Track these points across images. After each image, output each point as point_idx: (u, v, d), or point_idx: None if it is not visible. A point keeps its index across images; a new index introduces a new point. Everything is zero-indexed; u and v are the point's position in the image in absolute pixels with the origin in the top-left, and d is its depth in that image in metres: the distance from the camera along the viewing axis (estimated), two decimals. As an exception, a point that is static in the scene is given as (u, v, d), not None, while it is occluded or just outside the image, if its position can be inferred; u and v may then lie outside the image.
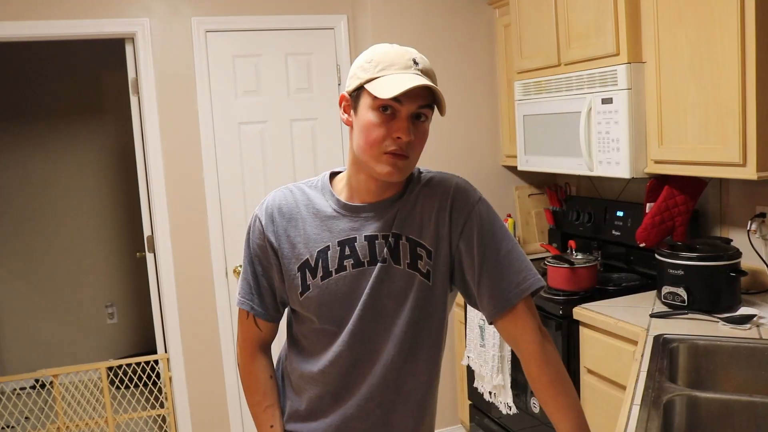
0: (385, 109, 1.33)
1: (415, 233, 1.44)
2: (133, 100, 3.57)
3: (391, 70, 1.33)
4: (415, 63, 1.34)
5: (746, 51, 2.10)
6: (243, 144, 3.64)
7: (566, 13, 2.84)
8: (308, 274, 1.45)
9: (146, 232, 3.67)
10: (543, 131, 3.07)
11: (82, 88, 5.17)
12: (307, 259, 1.45)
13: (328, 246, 1.44)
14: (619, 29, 2.55)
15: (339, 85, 3.76)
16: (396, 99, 1.31)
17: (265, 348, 1.62)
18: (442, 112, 1.37)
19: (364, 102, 1.36)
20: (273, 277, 1.51)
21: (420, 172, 1.51)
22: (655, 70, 2.47)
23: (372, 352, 1.46)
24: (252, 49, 3.61)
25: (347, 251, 1.44)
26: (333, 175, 1.55)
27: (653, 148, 2.52)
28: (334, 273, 1.44)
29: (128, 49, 3.52)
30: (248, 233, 1.53)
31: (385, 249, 1.42)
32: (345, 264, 1.43)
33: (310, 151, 3.77)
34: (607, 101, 2.63)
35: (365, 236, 1.44)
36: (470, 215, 1.44)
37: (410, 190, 1.47)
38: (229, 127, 3.61)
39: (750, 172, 2.15)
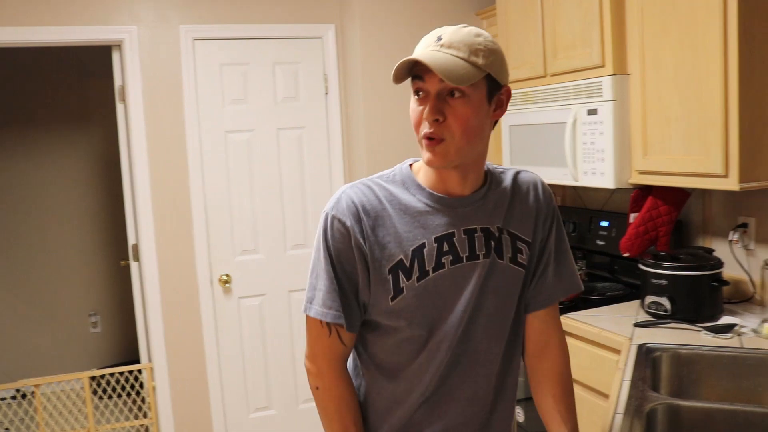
0: (417, 93, 1.30)
1: (515, 226, 1.42)
2: (120, 107, 3.56)
3: (415, 52, 1.29)
4: (438, 39, 1.27)
5: (729, 63, 2.13)
6: (230, 152, 3.64)
7: (553, 24, 2.86)
8: (402, 276, 1.34)
9: (131, 241, 3.65)
10: (529, 141, 3.09)
11: (66, 95, 5.15)
12: (401, 259, 1.34)
13: (424, 243, 1.34)
14: (605, 41, 2.57)
15: (326, 94, 3.77)
16: (419, 78, 1.27)
17: (346, 362, 1.45)
18: (451, 80, 1.22)
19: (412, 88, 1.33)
20: (358, 284, 1.36)
21: (497, 169, 1.48)
22: (639, 82, 2.50)
23: (474, 352, 1.40)
24: (240, 58, 3.62)
25: (445, 247, 1.35)
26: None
27: (637, 159, 2.55)
28: (431, 272, 1.34)
29: (115, 56, 3.51)
30: (325, 238, 1.36)
31: (492, 242, 1.38)
32: (443, 261, 1.35)
33: (297, 160, 3.78)
34: (592, 112, 2.65)
35: (464, 230, 1.37)
36: (554, 210, 1.49)
37: (495, 183, 1.43)
38: (215, 136, 3.61)
39: (732, 183, 2.17)
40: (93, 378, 3.87)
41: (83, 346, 5.30)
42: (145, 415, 3.75)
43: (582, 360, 2.48)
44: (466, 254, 1.36)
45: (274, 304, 3.79)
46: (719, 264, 2.38)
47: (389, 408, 1.43)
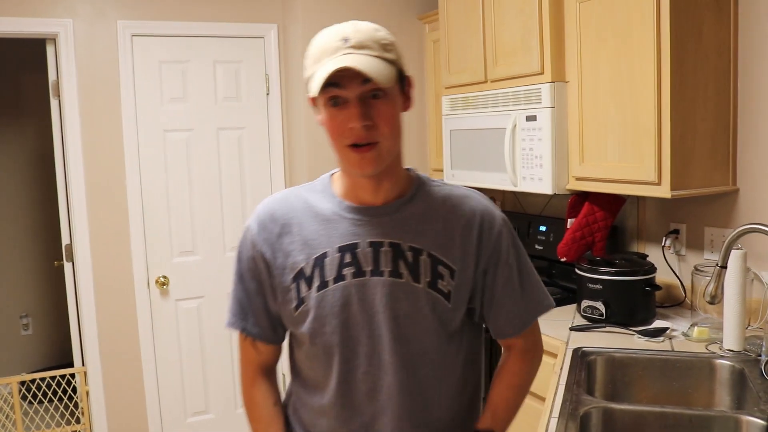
0: (335, 102, 1.21)
1: (438, 250, 1.30)
2: (54, 103, 3.45)
3: (323, 61, 1.20)
4: (345, 41, 1.20)
5: (662, 74, 2.19)
6: (168, 152, 3.57)
7: (494, 31, 2.89)
8: (303, 285, 1.30)
9: (65, 241, 3.55)
10: (469, 146, 3.11)
11: (-2, 89, 4.98)
12: (303, 268, 1.30)
13: (326, 253, 1.29)
14: (544, 49, 2.61)
15: (267, 94, 3.74)
16: (335, 85, 1.18)
17: (268, 371, 1.46)
18: (382, 81, 1.18)
19: (319, 100, 1.24)
20: (266, 294, 1.36)
21: (431, 181, 1.40)
22: (577, 90, 2.55)
23: (389, 382, 1.31)
24: (179, 56, 3.56)
25: (347, 258, 1.28)
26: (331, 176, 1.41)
27: (575, 166, 2.59)
28: (331, 282, 1.28)
29: (49, 50, 3.41)
30: (239, 246, 1.38)
31: (401, 261, 1.28)
32: (344, 273, 1.28)
33: (237, 161, 3.73)
34: (531, 118, 2.69)
35: (369, 242, 1.28)
36: (499, 238, 1.36)
37: (420, 198, 1.34)
38: (154, 134, 3.53)
39: (664, 191, 2.24)
40: (23, 383, 3.74)
41: (13, 349, 5.12)
42: (78, 421, 3.64)
43: (519, 363, 2.51)
44: (370, 268, 1.28)
45: (212, 307, 3.74)
46: (652, 269, 2.45)
47: (312, 420, 1.40)
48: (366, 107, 1.20)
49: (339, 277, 1.28)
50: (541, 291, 1.45)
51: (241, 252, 1.38)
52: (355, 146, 1.21)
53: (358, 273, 1.28)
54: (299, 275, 1.30)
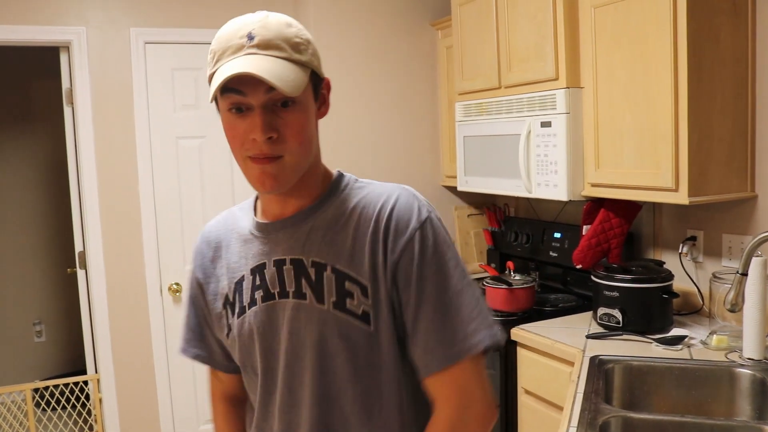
0: (239, 109, 1.06)
1: (344, 263, 1.11)
2: (67, 110, 3.47)
3: (224, 59, 1.05)
4: (250, 38, 1.04)
5: (678, 79, 2.17)
6: (181, 158, 3.58)
7: (507, 37, 2.88)
8: (229, 312, 1.22)
9: (78, 248, 3.55)
10: (483, 152, 3.10)
11: (11, 96, 4.99)
12: (227, 293, 1.22)
13: (243, 276, 1.19)
14: (559, 55, 2.60)
15: (281, 101, 3.73)
16: (237, 91, 1.04)
17: (235, 401, 1.36)
18: (289, 90, 1.02)
19: (220, 103, 1.09)
20: (209, 321, 1.28)
21: (355, 181, 1.21)
22: (592, 96, 2.53)
23: (306, 421, 1.15)
24: (192, 63, 3.56)
25: (257, 281, 1.17)
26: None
27: (590, 172, 2.57)
28: (247, 308, 1.18)
29: (63, 58, 3.42)
30: (189, 272, 1.33)
31: (304, 279, 1.12)
32: (256, 297, 1.17)
33: (250, 168, 3.72)
34: (546, 125, 2.67)
35: (274, 261, 1.15)
36: (411, 240, 1.10)
37: (331, 203, 1.16)
38: (166, 141, 3.54)
39: (682, 197, 2.21)
40: (36, 390, 3.75)
41: (26, 356, 5.13)
42: (90, 428, 3.64)
43: (536, 372, 2.49)
44: (277, 290, 1.15)
45: (225, 314, 3.72)
46: (670, 276, 2.42)
47: None
48: (272, 116, 1.05)
49: (252, 302, 1.18)
50: (477, 318, 1.10)
51: (190, 278, 1.31)
52: (255, 159, 1.08)
53: (267, 296, 1.16)
54: (226, 301, 1.22)
